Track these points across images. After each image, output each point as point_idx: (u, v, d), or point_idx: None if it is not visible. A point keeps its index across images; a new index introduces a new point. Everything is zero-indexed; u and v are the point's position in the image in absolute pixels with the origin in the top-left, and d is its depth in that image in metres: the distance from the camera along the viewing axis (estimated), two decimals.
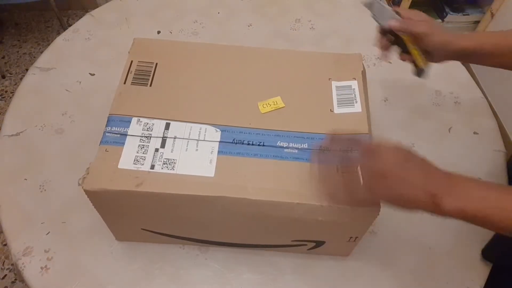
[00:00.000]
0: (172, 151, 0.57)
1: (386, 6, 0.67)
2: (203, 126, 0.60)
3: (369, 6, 0.68)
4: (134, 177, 0.54)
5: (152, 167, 0.55)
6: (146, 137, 0.58)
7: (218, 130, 0.59)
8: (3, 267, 1.34)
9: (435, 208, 0.45)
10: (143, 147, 0.57)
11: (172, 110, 0.61)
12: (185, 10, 1.07)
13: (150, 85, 0.63)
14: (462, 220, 0.45)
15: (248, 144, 0.58)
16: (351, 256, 0.71)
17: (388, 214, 0.55)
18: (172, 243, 0.69)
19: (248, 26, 1.05)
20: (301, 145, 0.59)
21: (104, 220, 0.62)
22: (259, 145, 0.58)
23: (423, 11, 0.66)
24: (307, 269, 0.69)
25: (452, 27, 1.77)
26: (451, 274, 0.70)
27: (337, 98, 0.64)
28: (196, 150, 0.57)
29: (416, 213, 0.48)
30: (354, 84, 0.65)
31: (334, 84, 0.65)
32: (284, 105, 0.63)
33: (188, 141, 0.58)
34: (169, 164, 0.56)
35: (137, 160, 0.56)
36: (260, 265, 0.69)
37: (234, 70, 0.66)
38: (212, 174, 0.55)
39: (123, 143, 0.57)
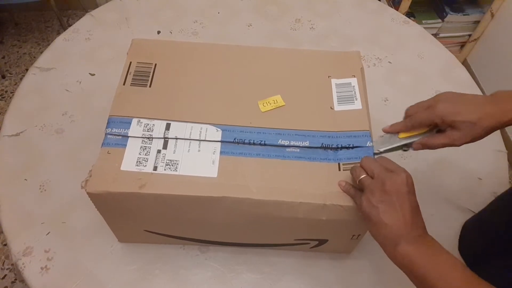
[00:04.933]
0: (174, 152, 0.57)
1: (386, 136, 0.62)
2: (204, 126, 0.59)
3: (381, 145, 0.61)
4: (137, 179, 0.54)
5: (155, 168, 0.55)
6: (148, 138, 0.58)
7: (218, 129, 0.59)
8: (3, 267, 1.34)
9: (394, 246, 0.47)
10: (145, 148, 0.57)
11: (172, 111, 0.61)
12: (185, 10, 1.07)
13: (150, 86, 0.63)
14: (402, 267, 0.48)
15: (249, 143, 0.58)
16: (352, 255, 0.71)
17: None
18: (173, 243, 0.69)
19: (248, 26, 1.05)
20: (302, 143, 0.59)
21: (107, 222, 0.62)
22: (260, 144, 0.58)
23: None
24: (307, 269, 0.69)
25: (452, 27, 1.77)
26: None
27: (337, 96, 0.64)
28: (199, 150, 0.57)
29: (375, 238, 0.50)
30: (354, 81, 0.65)
31: (334, 81, 0.65)
32: (284, 104, 0.63)
33: (190, 142, 0.58)
34: (172, 165, 0.56)
35: (139, 161, 0.56)
36: (260, 265, 0.69)
37: (234, 70, 0.66)
38: (215, 175, 0.55)
39: (125, 145, 0.57)
